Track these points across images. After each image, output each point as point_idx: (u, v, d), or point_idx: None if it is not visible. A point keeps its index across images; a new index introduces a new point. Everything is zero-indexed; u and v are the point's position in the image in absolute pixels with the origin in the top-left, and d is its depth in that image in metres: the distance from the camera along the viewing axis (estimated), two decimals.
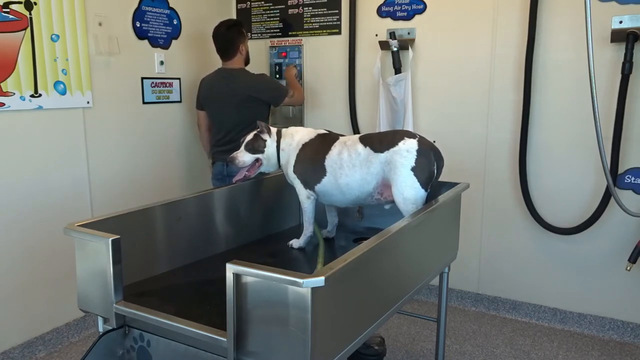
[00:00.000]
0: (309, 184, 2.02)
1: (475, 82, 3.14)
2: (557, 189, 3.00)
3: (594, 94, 2.11)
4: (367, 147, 1.91)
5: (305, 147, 2.04)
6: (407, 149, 1.84)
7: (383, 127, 3.30)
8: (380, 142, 1.91)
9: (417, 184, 1.84)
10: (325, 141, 2.01)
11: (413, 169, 1.83)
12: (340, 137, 2.03)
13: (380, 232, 1.53)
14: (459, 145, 3.22)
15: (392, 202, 1.93)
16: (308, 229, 2.08)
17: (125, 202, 2.99)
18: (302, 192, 2.05)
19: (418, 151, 1.84)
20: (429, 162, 1.86)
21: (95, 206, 3.00)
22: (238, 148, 2.17)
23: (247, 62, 3.20)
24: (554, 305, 3.11)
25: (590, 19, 2.04)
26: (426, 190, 1.87)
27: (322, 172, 1.97)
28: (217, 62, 3.22)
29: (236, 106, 3.03)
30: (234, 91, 3.03)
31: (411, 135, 1.90)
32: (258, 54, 3.85)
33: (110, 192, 3.09)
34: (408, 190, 1.83)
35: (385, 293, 1.64)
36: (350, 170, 1.92)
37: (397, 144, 1.86)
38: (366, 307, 1.51)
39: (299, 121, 3.75)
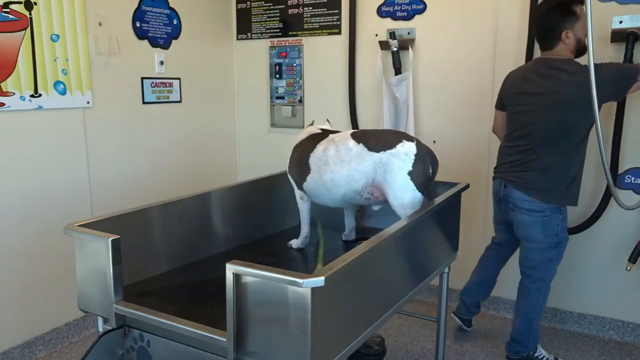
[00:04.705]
0: (298, 184, 2.04)
1: (476, 82, 3.14)
2: None
3: (594, 94, 2.10)
4: (361, 144, 1.85)
5: (297, 148, 2.06)
6: (406, 153, 1.81)
7: (387, 127, 3.30)
8: (376, 141, 1.86)
9: (414, 188, 1.81)
10: (314, 140, 2.00)
11: (410, 173, 1.80)
12: (330, 135, 2.00)
13: (380, 232, 1.53)
14: (461, 146, 3.22)
15: (382, 203, 1.91)
16: (304, 229, 2.10)
17: (125, 202, 2.99)
18: (297, 194, 2.08)
19: (416, 155, 1.81)
20: (425, 166, 1.84)
21: (95, 206, 3.00)
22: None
23: (582, 49, 2.39)
24: (554, 306, 3.11)
25: (590, 19, 2.04)
26: (422, 194, 1.84)
27: (307, 170, 1.95)
28: (216, 62, 3.21)
29: (547, 108, 2.35)
30: (549, 89, 2.34)
31: (409, 138, 1.86)
32: (258, 54, 3.85)
33: (110, 192, 3.09)
34: (405, 194, 1.80)
35: (385, 293, 1.64)
36: (336, 166, 1.86)
37: (395, 146, 1.81)
38: (366, 307, 1.51)
39: (299, 121, 3.75)
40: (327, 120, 2.33)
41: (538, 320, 2.56)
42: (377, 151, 1.82)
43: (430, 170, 1.87)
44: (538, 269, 2.49)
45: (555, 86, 2.31)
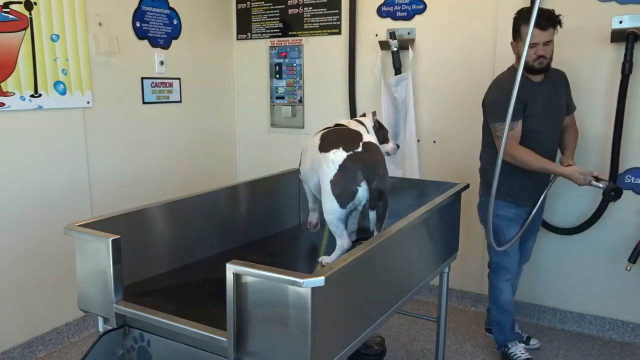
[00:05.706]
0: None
1: (476, 82, 3.13)
2: (557, 189, 3.00)
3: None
4: (320, 141, 1.86)
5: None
6: (333, 160, 1.72)
7: (386, 127, 3.29)
8: (325, 141, 1.83)
9: (332, 197, 1.73)
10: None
11: (331, 182, 1.73)
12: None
13: (380, 232, 1.53)
14: (461, 145, 3.21)
15: None
16: (310, 206, 2.16)
17: (125, 202, 2.99)
18: None
19: (341, 166, 1.70)
20: (350, 180, 1.70)
21: (95, 206, 3.00)
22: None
23: (526, 66, 2.37)
24: (554, 305, 3.11)
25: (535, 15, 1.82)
26: (341, 207, 1.73)
27: (300, 161, 2.06)
28: (216, 62, 3.21)
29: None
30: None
31: (349, 147, 1.73)
32: (258, 54, 3.85)
33: (110, 192, 3.09)
34: (325, 201, 1.76)
35: (385, 293, 1.64)
36: (306, 158, 1.97)
37: (330, 151, 1.74)
38: (366, 307, 1.51)
39: (299, 121, 3.75)
40: (364, 114, 2.33)
41: (499, 311, 2.65)
42: (321, 151, 1.80)
43: (359, 187, 1.70)
44: (490, 252, 2.68)
45: None
